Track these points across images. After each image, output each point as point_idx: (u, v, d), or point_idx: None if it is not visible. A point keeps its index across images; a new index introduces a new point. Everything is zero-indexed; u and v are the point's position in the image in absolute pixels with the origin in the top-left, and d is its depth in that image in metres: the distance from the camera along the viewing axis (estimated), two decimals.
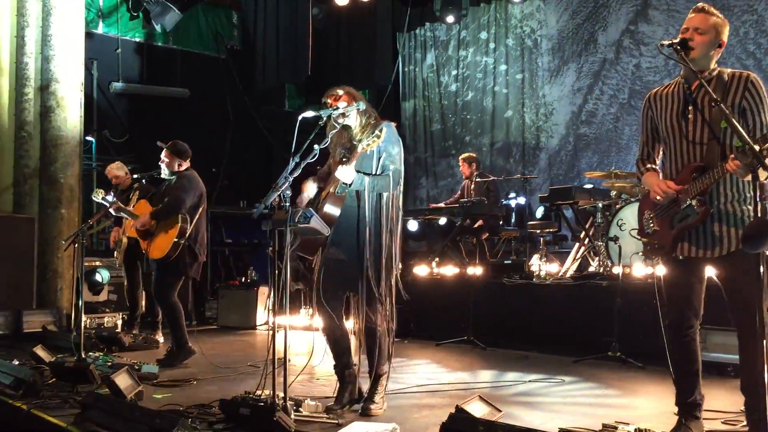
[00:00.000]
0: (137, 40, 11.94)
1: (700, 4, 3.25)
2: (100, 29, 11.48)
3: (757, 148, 2.66)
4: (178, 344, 5.70)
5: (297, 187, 3.78)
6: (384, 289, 3.87)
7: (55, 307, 7.92)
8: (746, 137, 2.71)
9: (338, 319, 3.98)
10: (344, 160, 3.74)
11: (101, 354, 5.72)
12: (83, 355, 5.18)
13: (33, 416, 3.89)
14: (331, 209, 3.79)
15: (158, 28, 11.44)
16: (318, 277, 3.96)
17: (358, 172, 3.78)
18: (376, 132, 3.70)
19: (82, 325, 5.37)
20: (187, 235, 5.68)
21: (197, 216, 5.80)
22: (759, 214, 2.64)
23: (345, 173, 3.72)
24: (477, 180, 8.82)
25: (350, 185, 3.77)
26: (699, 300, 3.29)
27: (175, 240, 5.63)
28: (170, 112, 11.79)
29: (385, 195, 3.88)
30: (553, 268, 7.55)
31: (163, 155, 5.93)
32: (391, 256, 3.90)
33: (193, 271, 5.82)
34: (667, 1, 9.19)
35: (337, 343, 4.03)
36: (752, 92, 3.13)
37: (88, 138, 10.68)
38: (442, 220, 8.49)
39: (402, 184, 3.98)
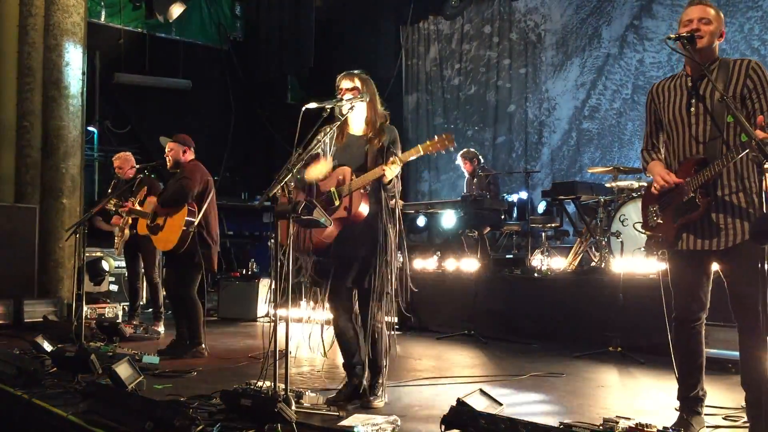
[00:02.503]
0: (140, 30, 11.92)
1: None
2: (103, 19, 11.46)
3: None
4: (192, 339, 5.68)
5: None
6: (388, 284, 3.87)
7: (56, 297, 7.92)
8: (752, 131, 2.70)
9: (349, 315, 3.98)
10: (392, 159, 3.73)
11: (102, 344, 5.72)
12: (84, 345, 5.18)
13: (34, 405, 3.89)
14: (365, 208, 3.79)
15: (161, 18, 11.42)
16: (330, 273, 3.97)
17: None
18: (444, 136, 3.70)
19: (83, 314, 5.37)
20: (196, 223, 5.62)
21: (205, 205, 5.72)
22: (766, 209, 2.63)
23: (393, 172, 3.73)
24: (480, 174, 8.80)
25: (388, 185, 3.79)
26: (705, 293, 3.29)
27: (183, 228, 5.56)
28: (172, 103, 11.80)
29: (391, 194, 3.91)
30: (554, 262, 7.55)
31: (167, 147, 5.91)
32: (392, 252, 3.90)
33: (210, 260, 5.74)
34: None
35: (347, 340, 4.02)
36: (753, 78, 3.12)
37: (90, 128, 10.68)
38: (449, 221, 8.46)
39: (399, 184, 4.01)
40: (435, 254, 8.13)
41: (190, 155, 5.92)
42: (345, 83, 3.95)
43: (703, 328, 3.33)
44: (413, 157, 3.75)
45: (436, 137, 3.74)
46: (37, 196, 8.19)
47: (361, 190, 3.80)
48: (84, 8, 8.59)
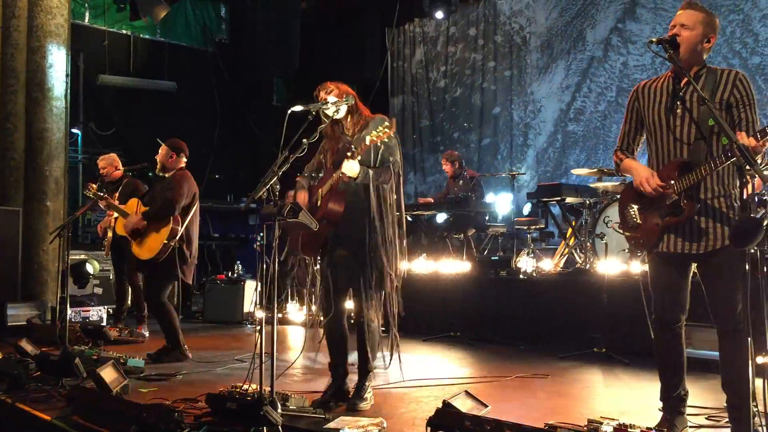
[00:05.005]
0: (124, 32, 11.86)
1: (687, 0, 3.26)
2: (87, 21, 11.39)
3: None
4: (172, 344, 5.63)
5: (285, 182, 3.76)
6: (385, 284, 3.87)
7: (40, 300, 7.85)
8: (733, 135, 2.73)
9: (342, 316, 4.00)
10: (349, 154, 3.71)
11: (86, 347, 5.68)
12: (68, 349, 5.14)
13: (17, 410, 3.87)
14: (335, 206, 3.79)
15: (145, 20, 11.36)
16: (324, 275, 3.98)
17: (361, 165, 3.77)
18: (386, 123, 3.68)
19: (68, 318, 5.34)
20: (178, 236, 5.56)
21: (189, 217, 5.66)
22: (746, 212, 2.67)
23: (351, 167, 3.69)
24: (465, 176, 8.84)
25: (355, 179, 3.76)
26: (685, 295, 3.31)
27: (165, 242, 5.51)
28: (157, 105, 11.75)
29: (386, 187, 3.88)
30: (539, 264, 7.58)
31: (159, 151, 5.87)
32: (395, 249, 3.89)
33: (185, 274, 5.68)
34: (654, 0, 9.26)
35: (337, 340, 4.04)
36: (740, 89, 3.15)
37: (74, 130, 10.61)
38: (441, 217, 8.49)
39: (401, 175, 3.97)
40: (421, 256, 8.14)
41: (179, 162, 5.83)
42: (324, 90, 3.99)
43: (684, 330, 3.36)
44: (364, 148, 3.71)
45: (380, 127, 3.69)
46: (21, 199, 8.11)
47: (327, 186, 3.83)
48: (68, 10, 8.53)
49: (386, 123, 3.69)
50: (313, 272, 4.19)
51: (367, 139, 3.67)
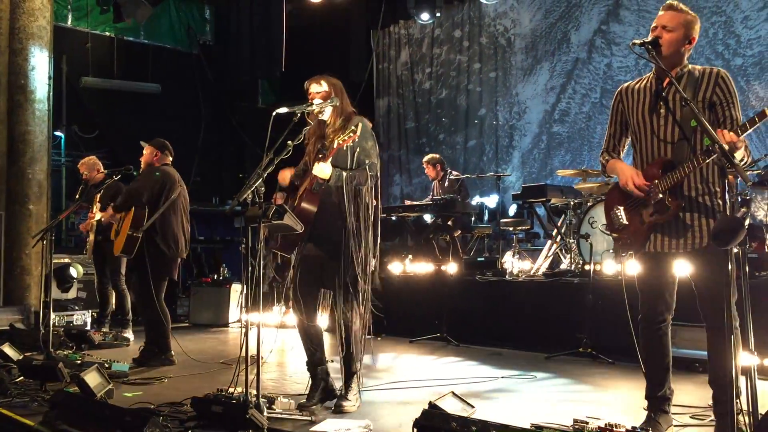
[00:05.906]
0: (107, 34, 11.78)
1: (669, 2, 3.28)
2: (70, 23, 11.30)
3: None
4: (160, 347, 5.57)
5: (270, 184, 3.76)
6: (361, 286, 3.86)
7: (23, 305, 7.79)
8: (715, 136, 2.75)
9: (312, 316, 3.98)
10: (320, 156, 3.73)
11: (70, 352, 5.64)
12: (52, 353, 5.10)
13: (0, 415, 3.83)
14: (308, 206, 3.79)
15: (129, 22, 11.28)
16: (294, 274, 3.96)
17: (334, 167, 3.76)
18: (352, 127, 3.70)
19: (51, 322, 5.29)
20: (144, 227, 5.40)
21: (161, 209, 5.51)
22: (728, 211, 2.68)
23: (321, 170, 3.71)
24: (450, 178, 8.86)
25: (328, 181, 3.75)
26: (671, 294, 3.34)
27: (129, 233, 5.37)
28: (141, 108, 11.66)
29: (362, 190, 3.87)
30: (525, 265, 7.61)
31: (144, 152, 5.83)
32: (367, 252, 3.89)
33: (163, 267, 5.53)
34: (637, 1, 9.32)
35: (311, 340, 4.03)
36: (722, 87, 3.17)
37: (57, 133, 10.52)
38: (427, 218, 8.50)
39: (378, 178, 3.97)
40: (407, 257, 8.15)
41: (164, 159, 5.81)
42: (314, 87, 3.98)
43: (669, 329, 3.38)
44: (333, 152, 3.73)
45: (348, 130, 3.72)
46: (3, 202, 8.05)
47: (306, 186, 3.84)
48: (50, 12, 8.47)
49: (353, 127, 3.70)
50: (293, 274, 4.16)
51: (335, 142, 3.68)
